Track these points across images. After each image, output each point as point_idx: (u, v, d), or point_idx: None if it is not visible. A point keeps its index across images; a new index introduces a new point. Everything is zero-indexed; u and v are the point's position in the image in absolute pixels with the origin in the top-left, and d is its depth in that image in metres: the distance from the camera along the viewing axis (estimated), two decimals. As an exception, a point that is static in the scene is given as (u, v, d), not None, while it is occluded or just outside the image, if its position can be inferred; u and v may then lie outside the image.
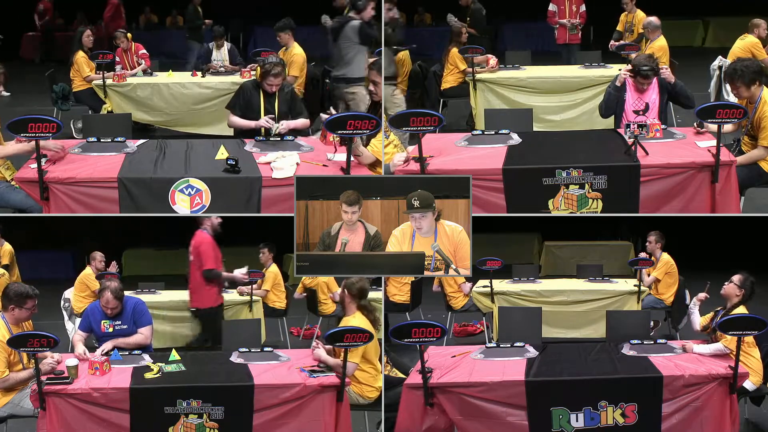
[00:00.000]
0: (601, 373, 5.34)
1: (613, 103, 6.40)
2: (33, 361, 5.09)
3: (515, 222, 8.61)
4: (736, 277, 5.76)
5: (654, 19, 8.97)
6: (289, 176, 5.51)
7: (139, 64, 9.36)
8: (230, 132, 6.91)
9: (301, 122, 6.45)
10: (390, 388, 5.56)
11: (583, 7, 10.08)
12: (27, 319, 5.43)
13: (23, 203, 5.71)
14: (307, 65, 8.79)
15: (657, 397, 5.18)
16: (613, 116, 6.46)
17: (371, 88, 5.83)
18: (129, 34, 9.55)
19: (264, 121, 6.31)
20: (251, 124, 6.37)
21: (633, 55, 8.67)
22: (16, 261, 8.41)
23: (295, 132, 6.42)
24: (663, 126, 5.97)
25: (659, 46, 8.70)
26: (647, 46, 8.81)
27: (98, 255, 8.10)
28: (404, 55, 8.93)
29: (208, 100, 8.78)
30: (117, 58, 9.41)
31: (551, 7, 10.12)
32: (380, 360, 5.71)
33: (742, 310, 5.63)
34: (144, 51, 9.50)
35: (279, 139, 6.15)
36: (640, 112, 6.29)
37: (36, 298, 5.43)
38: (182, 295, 8.12)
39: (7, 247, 8.21)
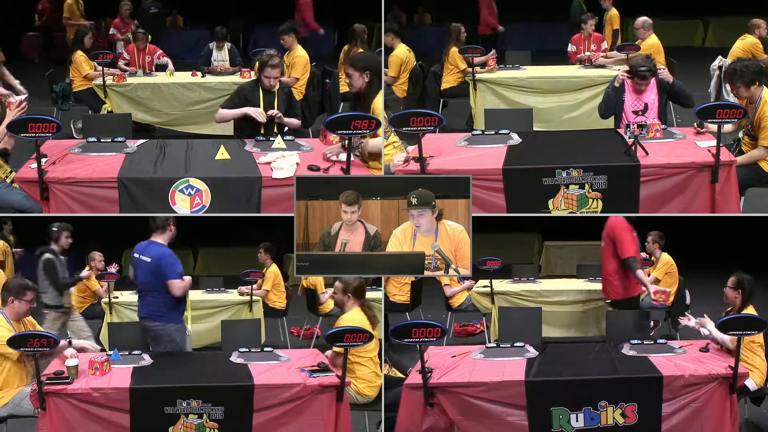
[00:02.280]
0: (601, 373, 5.33)
1: (612, 104, 6.40)
2: (33, 362, 5.10)
3: (515, 222, 8.62)
4: (729, 281, 5.73)
5: (646, 18, 8.97)
6: (289, 176, 5.51)
7: (164, 65, 9.39)
8: (230, 132, 6.92)
9: (294, 122, 6.53)
10: (390, 388, 5.56)
11: (604, 45, 9.65)
12: (26, 314, 5.45)
13: (23, 203, 5.71)
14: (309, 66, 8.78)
15: (657, 397, 5.17)
16: (613, 116, 6.46)
17: (346, 80, 5.83)
18: (149, 36, 9.61)
19: (254, 111, 6.31)
20: (242, 111, 6.33)
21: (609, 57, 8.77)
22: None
23: (294, 132, 6.46)
24: (663, 126, 5.97)
25: (650, 44, 8.70)
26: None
27: (98, 255, 8.11)
28: (406, 55, 8.93)
29: (208, 100, 8.79)
30: (128, 56, 9.44)
31: (570, 47, 9.81)
32: (380, 358, 5.72)
33: (750, 310, 5.61)
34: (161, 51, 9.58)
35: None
36: (639, 113, 6.29)
37: (35, 291, 5.47)
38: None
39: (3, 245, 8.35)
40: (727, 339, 5.47)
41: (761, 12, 9.03)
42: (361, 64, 5.69)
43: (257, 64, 6.46)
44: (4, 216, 8.30)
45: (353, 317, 5.65)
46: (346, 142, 5.54)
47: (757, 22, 8.77)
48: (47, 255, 7.38)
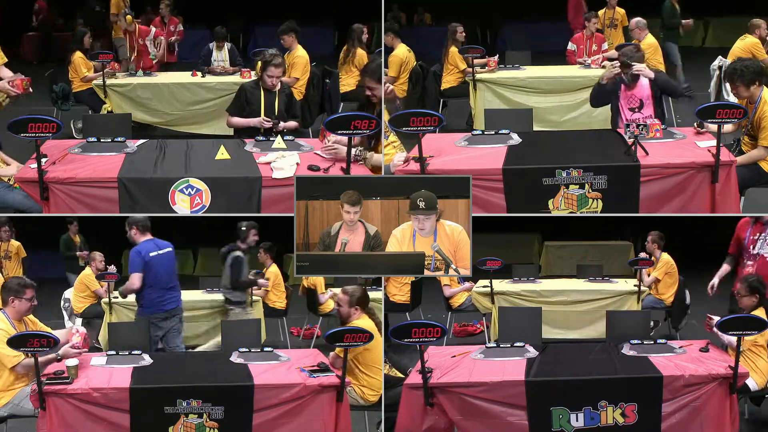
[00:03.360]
0: (601, 373, 5.33)
1: (602, 96, 6.44)
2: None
3: (515, 222, 8.61)
4: (742, 289, 5.71)
5: (639, 18, 8.97)
6: (289, 176, 5.51)
7: (156, 46, 9.43)
8: (230, 132, 6.95)
9: (292, 124, 6.67)
10: (390, 388, 5.56)
11: (605, 45, 9.60)
12: (28, 311, 5.46)
13: (23, 203, 5.71)
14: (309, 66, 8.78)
15: (657, 397, 5.18)
16: (612, 117, 6.47)
17: (368, 92, 5.81)
18: (129, 17, 9.61)
19: (261, 120, 6.49)
20: (249, 122, 6.55)
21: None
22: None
23: (294, 132, 6.49)
24: (663, 126, 5.98)
25: (648, 44, 8.70)
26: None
27: (98, 255, 8.11)
28: (406, 55, 8.92)
29: (208, 100, 8.79)
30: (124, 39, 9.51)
31: (570, 46, 9.74)
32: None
33: (760, 312, 5.59)
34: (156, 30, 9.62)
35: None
36: (636, 110, 6.31)
37: (34, 289, 5.48)
38: (183, 295, 8.11)
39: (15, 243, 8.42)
40: (734, 341, 5.42)
41: (761, 12, 9.02)
42: (378, 73, 5.69)
43: (259, 63, 6.48)
44: (72, 216, 8.34)
45: (364, 324, 5.60)
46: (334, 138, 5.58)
47: (757, 22, 8.76)
48: (237, 253, 7.44)
